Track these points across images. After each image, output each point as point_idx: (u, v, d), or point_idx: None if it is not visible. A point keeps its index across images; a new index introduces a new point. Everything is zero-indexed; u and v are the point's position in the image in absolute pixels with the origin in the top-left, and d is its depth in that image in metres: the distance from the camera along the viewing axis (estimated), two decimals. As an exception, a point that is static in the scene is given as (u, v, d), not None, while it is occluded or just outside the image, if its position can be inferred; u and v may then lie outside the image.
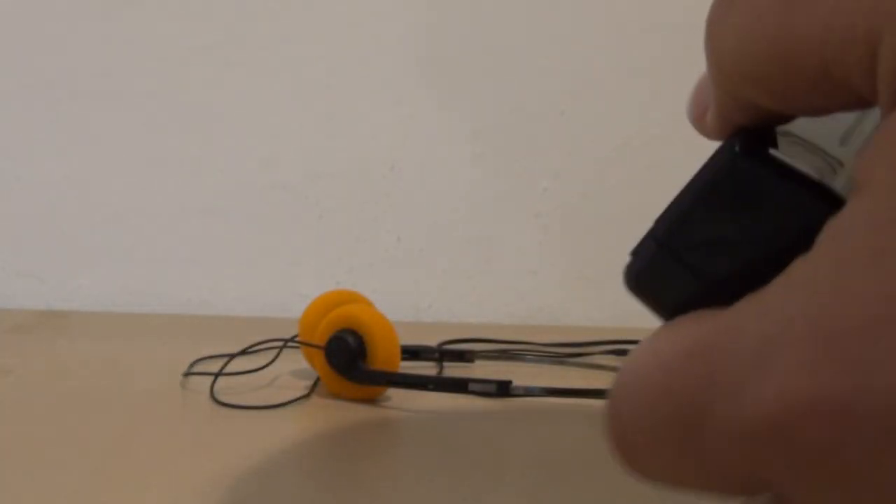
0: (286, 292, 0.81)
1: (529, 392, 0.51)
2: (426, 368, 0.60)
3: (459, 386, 0.51)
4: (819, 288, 0.13)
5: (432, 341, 0.64)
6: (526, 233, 0.80)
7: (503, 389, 0.51)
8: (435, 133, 0.81)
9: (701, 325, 0.15)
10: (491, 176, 0.81)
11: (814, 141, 0.17)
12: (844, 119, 0.19)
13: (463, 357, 0.62)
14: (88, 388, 0.54)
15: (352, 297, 0.58)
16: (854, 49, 0.13)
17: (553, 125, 0.81)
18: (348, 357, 0.51)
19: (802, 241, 0.14)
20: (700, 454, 0.14)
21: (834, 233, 0.13)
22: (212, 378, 0.54)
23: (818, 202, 0.15)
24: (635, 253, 0.18)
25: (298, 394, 0.53)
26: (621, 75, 0.80)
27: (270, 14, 0.80)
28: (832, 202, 0.15)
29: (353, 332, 0.52)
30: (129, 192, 0.81)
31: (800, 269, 0.14)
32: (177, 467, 0.42)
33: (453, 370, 0.60)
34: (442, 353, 0.62)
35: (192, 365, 0.58)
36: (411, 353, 0.60)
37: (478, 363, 0.62)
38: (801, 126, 0.18)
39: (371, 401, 0.52)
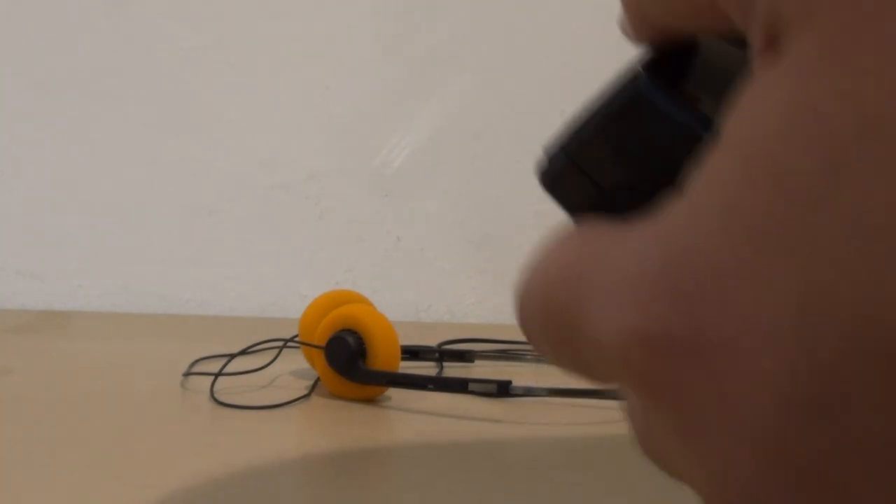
0: (286, 292, 0.81)
1: (529, 392, 0.51)
2: (426, 368, 0.60)
3: (459, 386, 0.51)
4: (672, 233, 0.14)
5: (432, 341, 0.64)
6: (526, 233, 0.80)
7: (503, 389, 0.50)
8: (435, 133, 0.81)
9: (583, 243, 0.16)
10: (491, 176, 0.81)
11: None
12: None
13: (463, 357, 0.62)
14: (88, 388, 0.54)
15: (352, 297, 0.58)
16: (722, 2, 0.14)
17: (553, 125, 0.81)
18: (348, 357, 0.51)
19: (686, 170, 0.15)
20: (574, 355, 0.16)
21: (695, 182, 0.14)
22: (212, 378, 0.54)
23: (703, 137, 0.16)
24: (546, 154, 0.19)
25: (298, 394, 0.53)
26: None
27: (270, 14, 0.80)
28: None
29: (353, 332, 0.52)
30: (129, 192, 0.81)
31: (665, 211, 0.14)
32: (177, 467, 0.42)
33: (453, 370, 0.60)
34: (442, 354, 0.62)
35: (192, 365, 0.58)
36: (411, 353, 0.60)
37: (478, 363, 0.62)
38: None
39: (371, 401, 0.52)
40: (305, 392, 0.54)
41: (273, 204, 0.81)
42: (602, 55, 0.80)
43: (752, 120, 0.13)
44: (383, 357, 0.52)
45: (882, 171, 0.12)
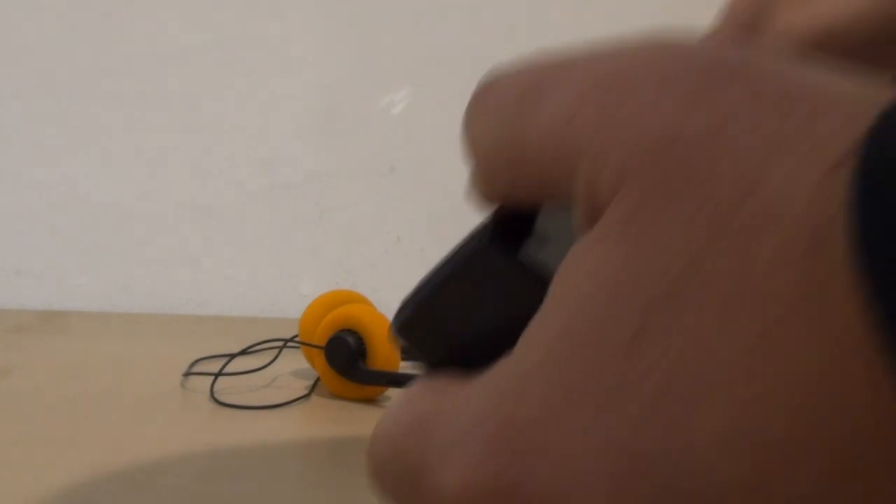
0: (286, 292, 0.81)
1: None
2: (426, 368, 0.60)
3: (459, 386, 0.51)
4: (502, 391, 0.15)
5: (432, 341, 0.64)
6: (526, 233, 0.80)
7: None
8: (435, 133, 0.81)
9: (427, 400, 0.17)
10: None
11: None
12: None
13: (463, 357, 0.62)
14: (88, 388, 0.54)
15: (351, 298, 0.58)
16: (560, 165, 0.16)
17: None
18: (348, 357, 0.51)
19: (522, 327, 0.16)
20: (421, 501, 0.17)
21: (524, 341, 0.16)
22: (212, 378, 0.54)
23: (538, 296, 0.17)
24: (402, 304, 0.20)
25: (298, 394, 0.53)
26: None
27: (270, 14, 0.80)
28: None
29: (353, 332, 0.52)
30: (128, 192, 0.81)
31: (498, 368, 0.16)
32: (177, 467, 0.42)
33: (453, 370, 0.60)
34: (442, 353, 0.62)
35: (192, 365, 0.58)
36: (411, 353, 0.60)
37: (478, 363, 0.62)
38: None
39: (371, 401, 0.52)
40: (305, 392, 0.54)
41: (273, 204, 0.81)
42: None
43: (570, 285, 0.15)
44: (383, 357, 0.52)
45: (668, 340, 0.13)
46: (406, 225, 0.81)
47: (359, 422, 0.50)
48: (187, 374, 0.57)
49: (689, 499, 0.13)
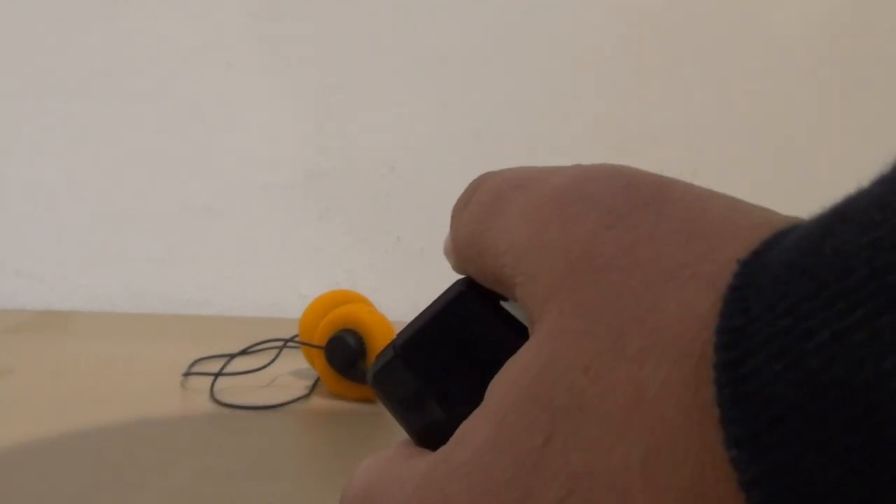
0: (286, 292, 0.81)
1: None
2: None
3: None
4: (431, 479, 0.17)
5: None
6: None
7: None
8: (435, 133, 0.81)
9: (382, 470, 0.20)
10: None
11: None
12: None
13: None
14: (88, 388, 0.54)
15: (352, 297, 0.58)
16: (504, 275, 0.18)
17: (553, 125, 0.81)
18: (348, 357, 0.51)
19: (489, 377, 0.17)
20: None
21: (458, 435, 0.17)
22: (212, 378, 0.54)
23: (509, 343, 0.18)
24: (378, 356, 0.22)
25: (298, 394, 0.53)
26: (623, 76, 0.80)
27: (270, 14, 0.80)
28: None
29: (353, 332, 0.52)
30: (129, 192, 0.81)
31: (433, 458, 0.18)
32: (177, 467, 0.42)
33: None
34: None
35: (192, 365, 0.58)
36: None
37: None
38: None
39: (371, 401, 0.52)
40: (305, 392, 0.54)
41: (273, 204, 0.81)
42: (602, 55, 0.80)
43: (499, 391, 0.17)
44: (383, 357, 0.52)
45: (570, 449, 0.15)
46: (406, 225, 0.82)
47: (359, 422, 0.50)
48: (187, 374, 0.57)
49: None
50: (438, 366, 0.21)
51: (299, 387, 0.55)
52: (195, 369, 0.57)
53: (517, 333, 0.19)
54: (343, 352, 0.51)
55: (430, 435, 0.20)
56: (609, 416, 0.15)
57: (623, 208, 0.16)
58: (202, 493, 0.39)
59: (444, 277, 0.22)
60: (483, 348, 0.20)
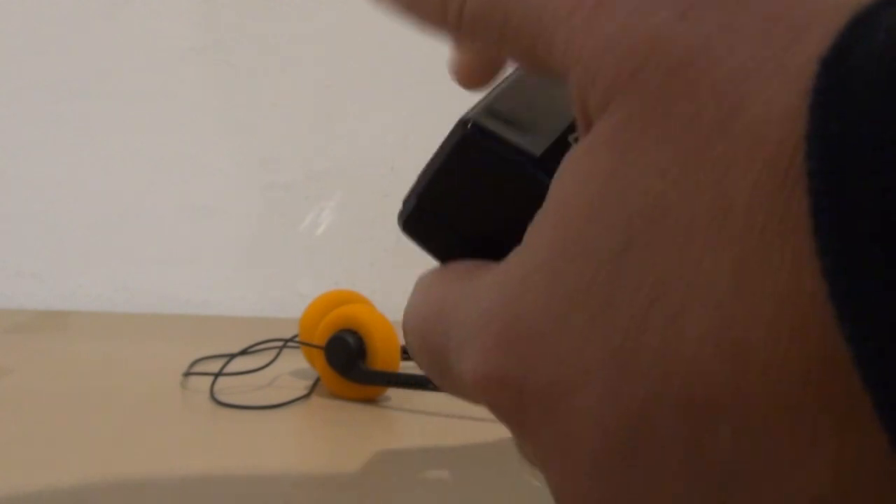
0: (286, 292, 0.81)
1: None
2: (426, 368, 0.60)
3: (459, 386, 0.51)
4: (509, 286, 0.16)
5: (432, 341, 0.64)
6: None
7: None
8: (435, 133, 0.81)
9: (447, 287, 0.19)
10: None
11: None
12: None
13: (463, 357, 0.62)
14: (88, 388, 0.54)
15: (351, 297, 0.58)
16: (548, 47, 0.16)
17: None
18: (348, 357, 0.51)
19: (527, 208, 0.16)
20: (450, 383, 0.19)
21: (528, 238, 0.16)
22: (212, 378, 0.54)
23: (532, 176, 0.18)
24: (405, 201, 0.21)
25: (298, 394, 0.53)
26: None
27: (269, 14, 0.80)
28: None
29: (353, 332, 0.52)
30: (128, 192, 0.81)
31: (507, 262, 0.17)
32: (177, 467, 0.42)
33: (453, 370, 0.60)
34: (442, 353, 0.62)
35: (192, 365, 0.58)
36: (411, 353, 0.60)
37: (478, 363, 0.62)
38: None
39: (371, 401, 0.52)
40: (305, 392, 0.54)
41: (273, 204, 0.81)
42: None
43: (565, 190, 0.16)
44: (383, 357, 0.52)
45: (654, 255, 0.14)
46: (406, 225, 0.81)
47: (359, 422, 0.50)
48: (187, 374, 0.57)
49: (680, 397, 0.14)
50: (463, 206, 0.20)
51: (299, 387, 0.55)
52: (195, 369, 0.57)
53: (533, 164, 0.18)
54: (343, 352, 0.51)
55: None
56: (697, 220, 0.14)
57: None
58: (202, 492, 0.39)
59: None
60: (506, 184, 0.19)
